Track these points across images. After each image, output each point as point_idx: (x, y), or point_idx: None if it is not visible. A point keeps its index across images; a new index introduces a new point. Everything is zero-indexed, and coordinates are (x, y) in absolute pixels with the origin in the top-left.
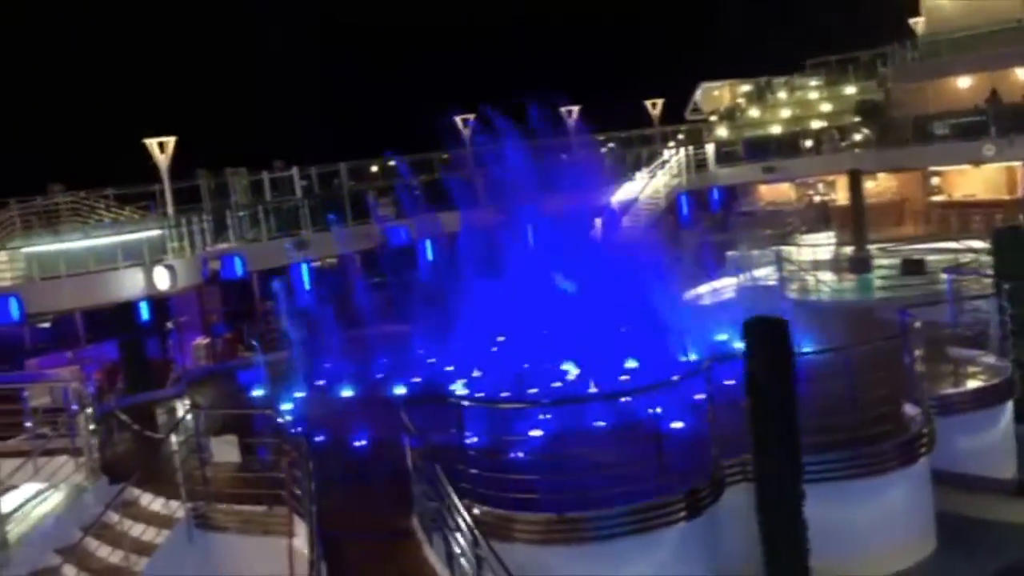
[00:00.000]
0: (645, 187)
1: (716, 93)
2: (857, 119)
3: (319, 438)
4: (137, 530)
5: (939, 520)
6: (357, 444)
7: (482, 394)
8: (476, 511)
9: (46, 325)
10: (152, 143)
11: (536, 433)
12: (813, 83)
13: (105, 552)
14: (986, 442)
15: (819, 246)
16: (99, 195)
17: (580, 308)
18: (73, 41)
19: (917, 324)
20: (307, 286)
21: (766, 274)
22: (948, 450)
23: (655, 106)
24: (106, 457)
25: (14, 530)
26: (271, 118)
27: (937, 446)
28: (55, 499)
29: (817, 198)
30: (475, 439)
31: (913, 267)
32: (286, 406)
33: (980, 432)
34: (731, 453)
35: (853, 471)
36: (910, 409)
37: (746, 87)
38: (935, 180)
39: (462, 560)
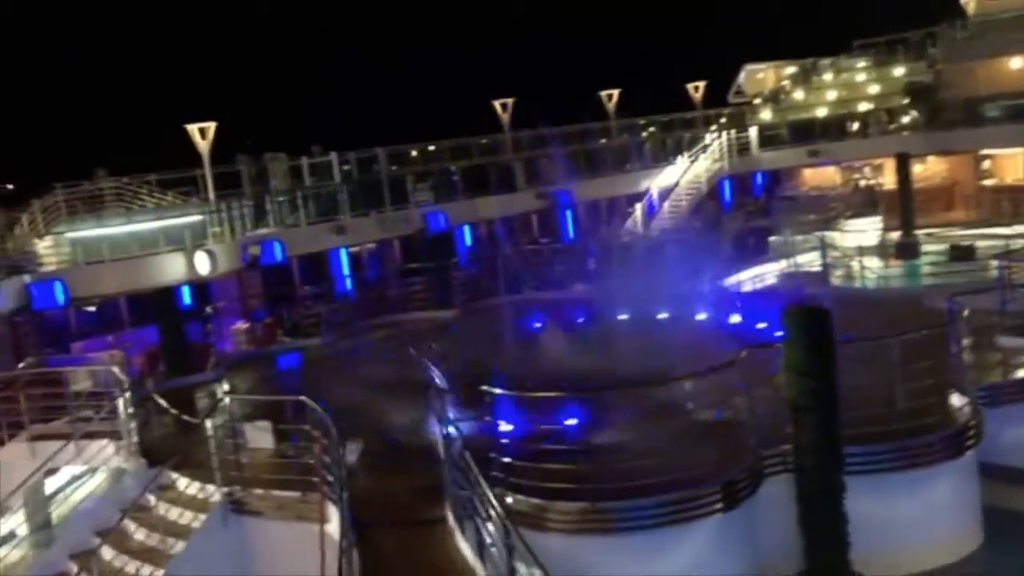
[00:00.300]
0: (686, 172)
1: (760, 75)
2: (905, 101)
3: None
4: (174, 513)
5: (986, 514)
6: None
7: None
8: (509, 500)
9: (91, 309)
10: (193, 128)
11: (571, 421)
12: (860, 64)
13: (142, 534)
14: None
15: (865, 232)
16: (142, 180)
17: (619, 294)
18: (117, 29)
19: (965, 312)
20: (346, 271)
21: (809, 260)
22: (996, 442)
23: (697, 89)
24: (145, 441)
25: (56, 511)
26: (310, 104)
27: (985, 438)
28: (95, 481)
29: (863, 182)
30: (509, 427)
31: (962, 253)
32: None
33: None
34: (770, 443)
35: (897, 463)
36: (957, 400)
37: (791, 69)
38: (986, 164)
39: (492, 550)
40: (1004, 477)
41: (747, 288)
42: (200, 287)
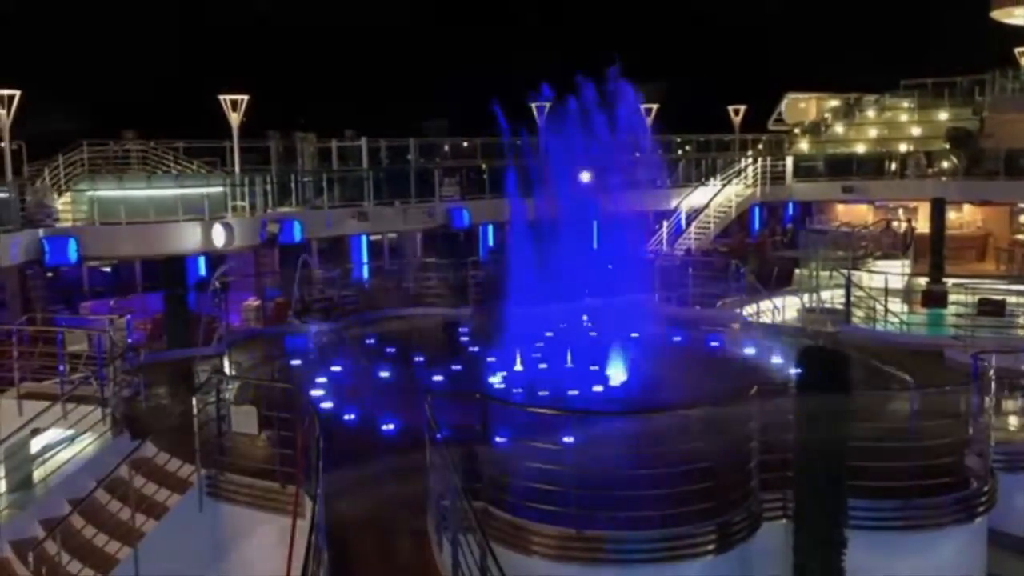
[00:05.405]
0: (717, 194)
1: (802, 105)
2: (946, 146)
3: (349, 417)
4: (150, 490)
5: None
6: (385, 429)
7: (519, 390)
8: (492, 515)
9: (107, 270)
10: (225, 100)
11: (567, 439)
12: (905, 104)
13: (115, 508)
14: None
15: (893, 274)
16: (168, 146)
17: (631, 313)
18: None
19: (991, 372)
20: (364, 258)
21: (832, 297)
22: (1009, 509)
23: (737, 113)
24: (133, 410)
25: (36, 474)
26: (350, 86)
27: (998, 504)
28: (76, 447)
29: (904, 224)
30: (501, 439)
31: (991, 308)
32: (321, 380)
33: None
34: (772, 487)
35: (903, 523)
36: (973, 462)
37: (834, 102)
38: (1023, 218)
39: (467, 570)
40: (1012, 547)
41: (765, 320)
42: (217, 259)
